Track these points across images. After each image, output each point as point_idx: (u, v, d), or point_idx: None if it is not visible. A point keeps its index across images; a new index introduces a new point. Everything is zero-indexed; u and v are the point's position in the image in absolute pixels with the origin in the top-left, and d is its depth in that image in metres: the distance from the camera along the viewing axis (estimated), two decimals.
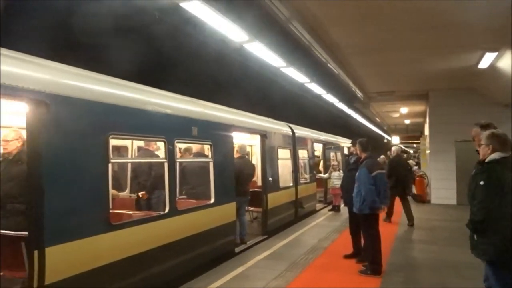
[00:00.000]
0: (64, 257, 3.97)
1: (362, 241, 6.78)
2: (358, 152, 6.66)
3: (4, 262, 4.33)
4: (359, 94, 15.60)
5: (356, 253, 7.03)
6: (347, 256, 7.08)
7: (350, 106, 18.48)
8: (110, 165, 4.74)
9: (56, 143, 4.04)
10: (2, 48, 3.93)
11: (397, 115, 22.03)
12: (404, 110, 20.13)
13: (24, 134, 4.72)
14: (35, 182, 3.85)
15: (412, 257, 7.43)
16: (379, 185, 6.20)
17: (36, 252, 3.72)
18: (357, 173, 6.36)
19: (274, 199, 9.63)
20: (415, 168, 18.59)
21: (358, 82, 14.01)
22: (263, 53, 8.16)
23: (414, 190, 16.01)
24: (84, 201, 4.32)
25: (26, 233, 3.90)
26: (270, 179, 9.63)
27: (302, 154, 12.79)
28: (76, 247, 4.11)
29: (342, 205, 12.11)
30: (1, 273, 4.34)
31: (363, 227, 6.44)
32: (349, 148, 18.11)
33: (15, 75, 3.80)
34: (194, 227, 6.27)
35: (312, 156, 13.71)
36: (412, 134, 28.56)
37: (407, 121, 26.65)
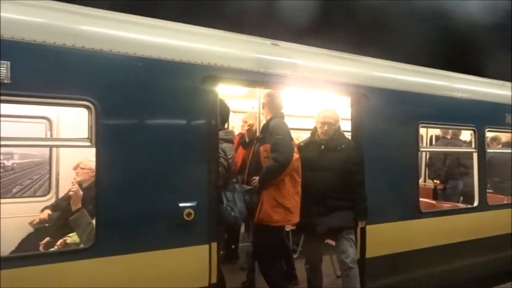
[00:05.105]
0: (380, 236, 4.33)
1: None
2: None
3: None
4: None
5: None
6: None
7: None
8: (419, 153, 4.82)
9: (374, 132, 4.41)
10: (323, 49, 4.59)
11: None
12: None
13: None
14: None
15: None
16: None
17: (359, 229, 4.20)
18: None
19: None
20: None
21: None
22: None
23: None
24: (398, 186, 4.58)
25: None
26: None
27: None
28: (391, 228, 4.41)
29: None
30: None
31: None
32: None
33: (343, 73, 4.38)
34: (506, 226, 5.62)
35: None
36: None
37: None
